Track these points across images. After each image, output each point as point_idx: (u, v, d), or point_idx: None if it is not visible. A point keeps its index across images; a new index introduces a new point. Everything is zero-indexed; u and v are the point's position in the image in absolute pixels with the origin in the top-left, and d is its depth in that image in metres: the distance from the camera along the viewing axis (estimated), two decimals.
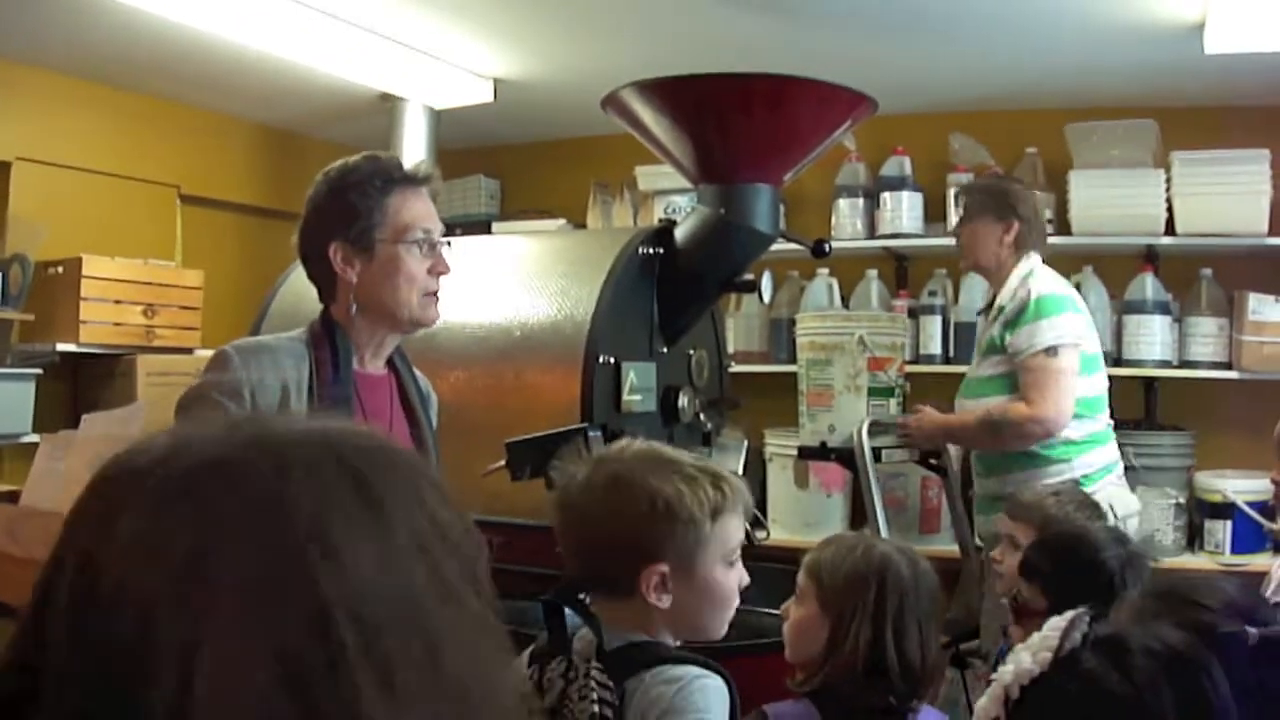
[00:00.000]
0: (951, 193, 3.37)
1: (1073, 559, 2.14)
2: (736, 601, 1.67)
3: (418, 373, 2.30)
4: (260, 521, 0.62)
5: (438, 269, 2.13)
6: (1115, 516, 3.01)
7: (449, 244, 2.18)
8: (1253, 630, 1.06)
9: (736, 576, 1.65)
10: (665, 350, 3.19)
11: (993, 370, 3.22)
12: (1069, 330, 3.12)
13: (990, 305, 3.34)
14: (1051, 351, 3.08)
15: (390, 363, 2.22)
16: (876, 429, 3.35)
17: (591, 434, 2.37)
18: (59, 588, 0.62)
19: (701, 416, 3.23)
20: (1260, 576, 2.60)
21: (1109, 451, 3.23)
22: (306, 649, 0.59)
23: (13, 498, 2.75)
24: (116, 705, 0.58)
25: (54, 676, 0.60)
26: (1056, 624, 1.10)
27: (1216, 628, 1.07)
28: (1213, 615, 1.09)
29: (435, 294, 2.14)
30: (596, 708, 1.51)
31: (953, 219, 4.40)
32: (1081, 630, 1.08)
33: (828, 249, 3.38)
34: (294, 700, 0.58)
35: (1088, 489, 3.05)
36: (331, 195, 2.10)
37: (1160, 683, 1.01)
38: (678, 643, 1.63)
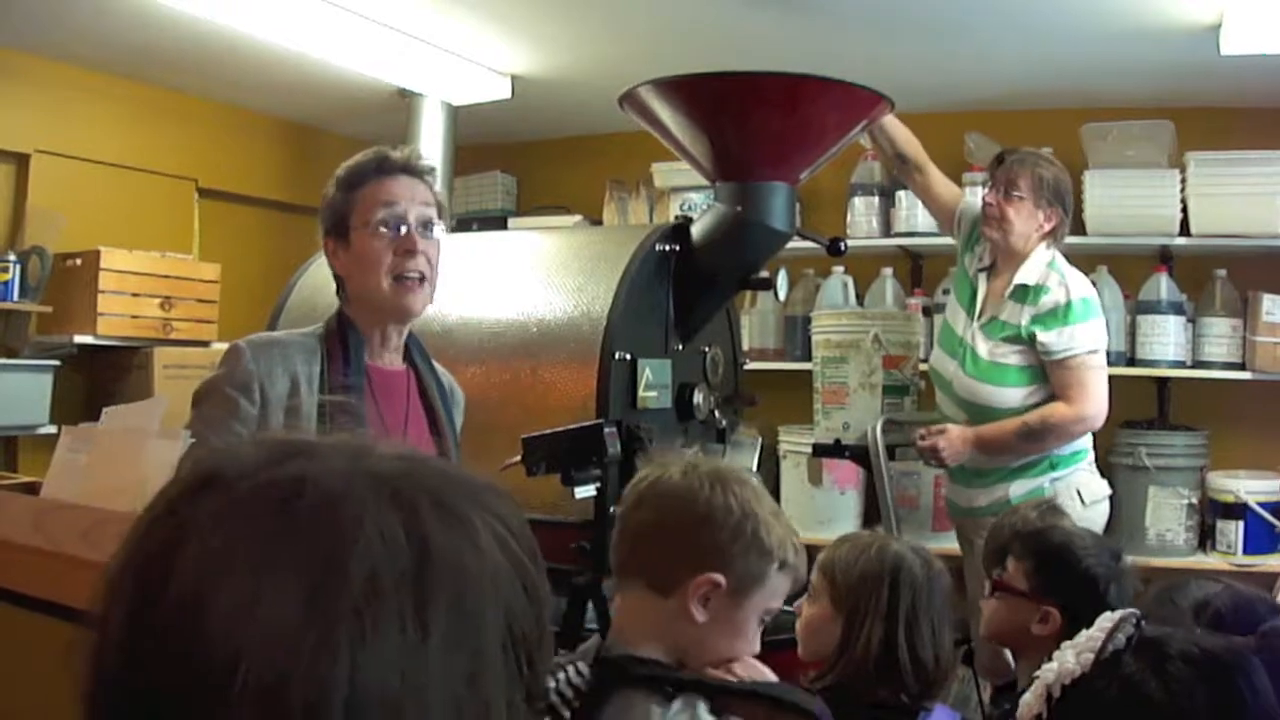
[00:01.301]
0: (997, 157, 3.37)
1: (1059, 553, 2.16)
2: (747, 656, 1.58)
3: (442, 370, 2.31)
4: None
5: (401, 248, 2.08)
6: (1084, 502, 3.11)
7: (433, 224, 2.14)
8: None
9: (756, 636, 1.58)
10: (681, 347, 3.19)
11: (1017, 360, 3.20)
12: (1102, 335, 3.19)
13: (992, 266, 3.33)
14: (1093, 354, 3.14)
15: (410, 359, 2.23)
16: (891, 427, 3.36)
17: (607, 430, 2.38)
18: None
19: (716, 413, 3.23)
20: (1273, 577, 2.61)
21: (1084, 439, 3.26)
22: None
23: (31, 489, 2.76)
24: None
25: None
26: (1103, 624, 1.13)
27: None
28: (1180, 614, 1.12)
29: (410, 279, 2.09)
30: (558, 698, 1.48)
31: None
32: (1126, 633, 1.10)
33: (843, 247, 3.38)
34: None
35: (1060, 472, 3.16)
36: (328, 193, 2.16)
37: (1195, 689, 1.03)
38: (683, 662, 1.54)
